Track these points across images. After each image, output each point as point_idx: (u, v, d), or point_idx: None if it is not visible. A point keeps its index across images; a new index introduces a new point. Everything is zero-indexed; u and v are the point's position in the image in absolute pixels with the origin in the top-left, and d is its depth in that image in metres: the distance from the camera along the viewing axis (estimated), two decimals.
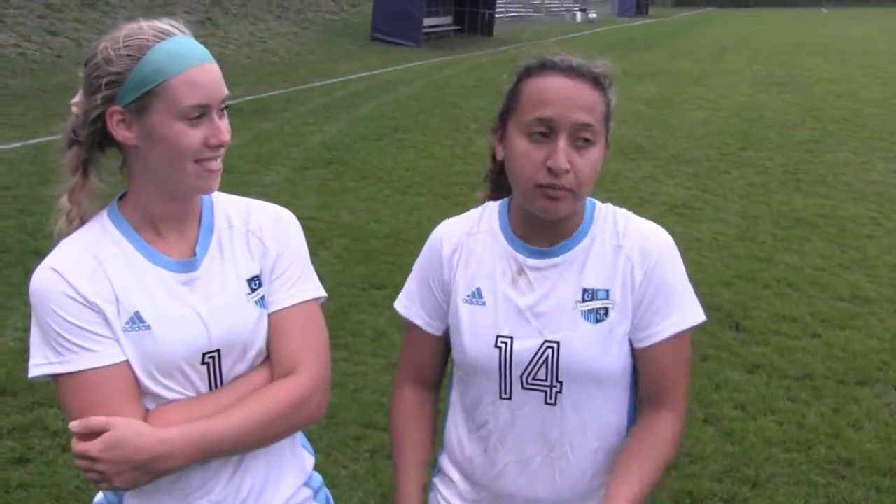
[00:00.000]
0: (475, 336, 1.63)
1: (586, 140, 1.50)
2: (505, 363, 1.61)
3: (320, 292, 1.68)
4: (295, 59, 21.70)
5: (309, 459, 1.79)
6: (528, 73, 1.56)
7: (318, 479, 1.82)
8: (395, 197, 8.35)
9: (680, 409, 1.64)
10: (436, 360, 1.79)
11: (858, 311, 5.54)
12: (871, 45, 28.00)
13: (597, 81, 1.53)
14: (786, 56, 24.53)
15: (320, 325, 1.66)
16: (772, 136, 11.82)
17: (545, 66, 1.54)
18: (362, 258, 6.40)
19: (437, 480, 1.84)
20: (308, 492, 1.76)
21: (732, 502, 3.52)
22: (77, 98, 1.51)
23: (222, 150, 1.51)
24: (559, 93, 1.50)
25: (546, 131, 1.50)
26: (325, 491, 1.84)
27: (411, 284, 1.78)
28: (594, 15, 49.11)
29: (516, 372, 1.61)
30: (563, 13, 49.39)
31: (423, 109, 13.93)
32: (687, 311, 1.62)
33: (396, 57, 22.84)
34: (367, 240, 6.87)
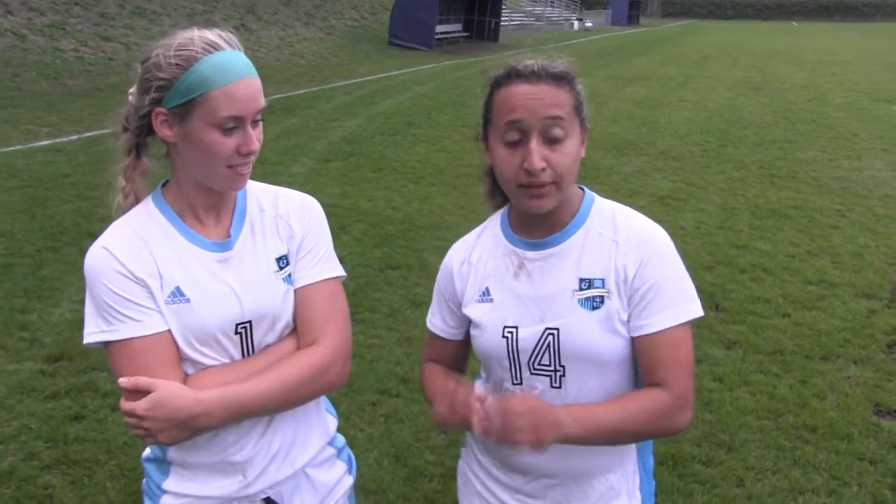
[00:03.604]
0: (485, 330, 1.62)
1: (558, 136, 1.47)
2: (512, 351, 1.59)
3: (341, 271, 1.69)
4: (320, 62, 21.65)
5: (332, 422, 1.80)
6: (497, 83, 1.53)
7: (341, 439, 1.84)
8: (409, 187, 8.33)
9: (677, 392, 1.51)
10: (458, 361, 1.80)
11: (824, 294, 5.51)
12: (835, 56, 27.76)
13: (558, 79, 1.49)
14: (762, 64, 24.34)
15: (342, 300, 1.67)
16: (749, 135, 11.74)
17: (510, 76, 1.51)
18: (379, 242, 6.39)
19: (464, 451, 1.86)
20: (332, 451, 1.78)
21: (710, 464, 3.52)
22: (133, 89, 1.52)
23: (252, 157, 1.51)
24: (524, 98, 1.47)
25: (519, 136, 1.48)
26: (348, 450, 1.86)
27: (433, 302, 1.78)
28: (590, 24, 48.90)
29: (523, 359, 1.59)
30: (562, 22, 49.13)
31: (435, 107, 13.88)
32: (684, 305, 1.53)
33: (411, 60, 22.77)
34: (384, 225, 6.85)
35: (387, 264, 5.88)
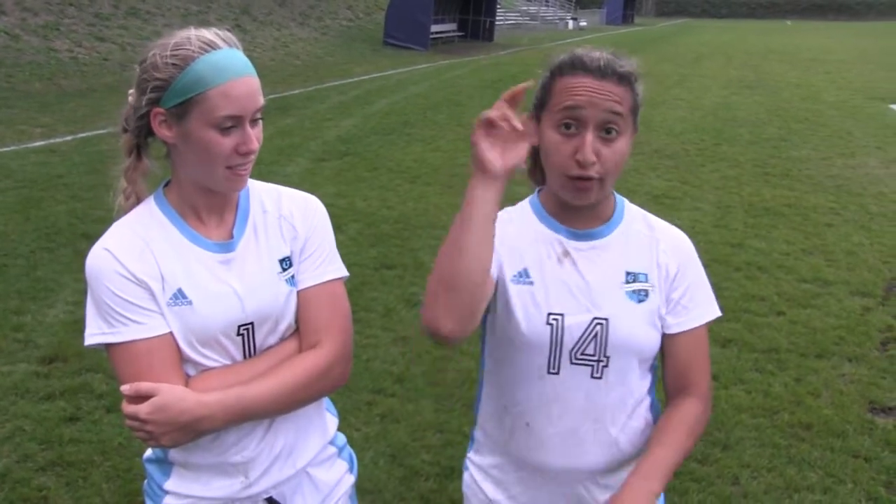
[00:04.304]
0: (527, 314, 1.57)
1: (612, 132, 1.49)
2: (556, 339, 1.56)
3: (344, 272, 1.68)
4: (315, 62, 21.61)
5: (333, 421, 1.80)
6: (561, 70, 1.52)
7: (342, 438, 1.84)
8: (405, 186, 8.32)
9: (704, 394, 1.65)
10: None
11: (819, 292, 5.53)
12: (829, 55, 27.83)
13: (622, 78, 1.50)
14: (756, 62, 24.39)
15: (344, 302, 1.66)
16: (743, 133, 11.77)
17: (575, 66, 1.51)
18: (374, 241, 6.40)
19: (472, 456, 1.79)
20: (333, 449, 1.78)
21: (705, 462, 3.52)
22: (132, 90, 1.51)
23: (253, 156, 1.50)
24: (586, 90, 1.47)
25: (574, 125, 1.48)
26: (349, 449, 1.86)
27: None
28: (584, 23, 48.96)
29: (567, 347, 1.56)
30: (557, 21, 49.13)
31: (430, 107, 13.87)
32: (710, 305, 1.65)
33: (406, 60, 22.73)
34: (379, 225, 6.86)
35: (382, 264, 5.87)
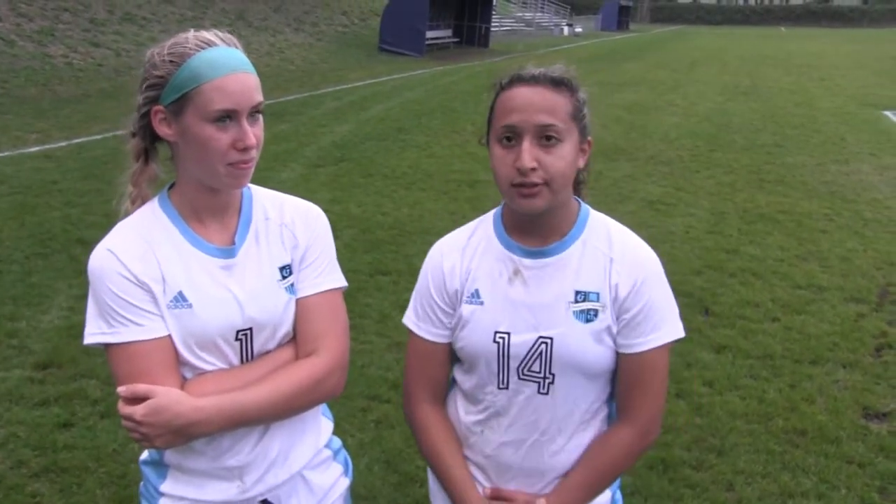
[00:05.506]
0: (475, 332, 1.62)
1: (551, 138, 1.49)
2: (503, 356, 1.61)
3: (343, 282, 1.69)
4: (310, 68, 21.63)
5: (328, 425, 1.81)
6: (501, 88, 1.56)
7: (337, 441, 1.84)
8: (399, 192, 8.33)
9: (642, 422, 1.63)
10: (446, 368, 1.74)
11: (813, 298, 5.54)
12: (823, 60, 27.98)
13: (556, 84, 1.52)
14: (750, 68, 24.48)
15: (342, 312, 1.67)
16: (738, 139, 11.81)
17: (512, 80, 1.55)
18: (369, 247, 6.40)
19: None
20: (328, 452, 1.79)
21: (700, 468, 3.53)
22: (138, 95, 1.53)
23: (252, 152, 1.51)
24: (520, 101, 1.50)
25: (512, 136, 1.50)
26: (344, 453, 1.87)
27: (417, 303, 1.72)
28: (580, 29, 49.08)
29: (513, 364, 1.61)
30: (552, 27, 49.21)
31: (425, 113, 13.89)
32: (665, 329, 1.60)
33: (401, 66, 22.78)
34: (374, 231, 6.87)
35: (377, 270, 5.88)
